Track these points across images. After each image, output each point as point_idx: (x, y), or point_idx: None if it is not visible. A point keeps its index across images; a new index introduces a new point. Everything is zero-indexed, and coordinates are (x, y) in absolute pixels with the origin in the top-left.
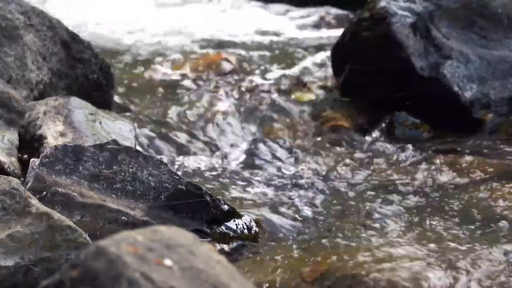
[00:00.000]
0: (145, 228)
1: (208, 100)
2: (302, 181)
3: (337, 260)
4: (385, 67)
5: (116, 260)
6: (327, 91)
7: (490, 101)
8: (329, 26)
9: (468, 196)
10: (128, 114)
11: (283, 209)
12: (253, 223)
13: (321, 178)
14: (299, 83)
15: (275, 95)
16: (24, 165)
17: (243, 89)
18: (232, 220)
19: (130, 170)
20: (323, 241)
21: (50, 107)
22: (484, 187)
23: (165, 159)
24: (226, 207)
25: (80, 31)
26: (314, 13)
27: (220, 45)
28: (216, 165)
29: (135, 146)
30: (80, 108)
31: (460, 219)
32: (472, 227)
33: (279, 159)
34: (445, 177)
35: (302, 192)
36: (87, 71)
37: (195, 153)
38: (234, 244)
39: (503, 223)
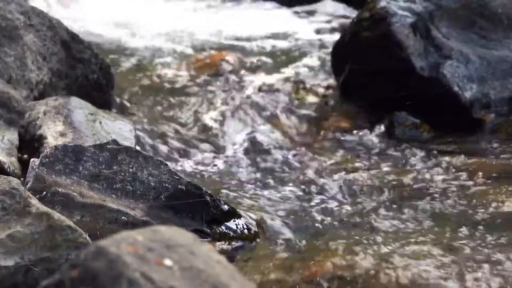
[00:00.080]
0: (145, 228)
1: (208, 100)
2: (302, 181)
3: (337, 260)
4: (385, 67)
5: (116, 260)
6: (327, 91)
7: (490, 101)
8: (329, 25)
9: (468, 196)
10: (128, 114)
11: (283, 209)
12: (253, 223)
13: (321, 178)
14: (299, 83)
15: (275, 95)
16: (24, 165)
17: (243, 89)
18: (232, 220)
19: (130, 170)
20: (323, 241)
21: (50, 107)
22: (484, 187)
23: (165, 159)
24: (226, 207)
25: (80, 31)
26: (315, 13)
27: (220, 45)
28: (216, 165)
29: (135, 146)
30: (80, 108)
31: (460, 219)
32: (472, 227)
33: (279, 159)
34: (445, 177)
35: (302, 192)
36: (87, 71)
37: (195, 153)
38: (234, 244)
39: (503, 223)
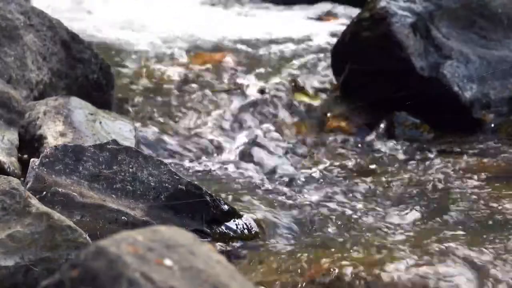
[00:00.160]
0: (145, 228)
1: (208, 100)
2: (302, 181)
3: (337, 260)
4: (385, 67)
5: (116, 260)
6: (327, 91)
7: (490, 101)
8: (329, 25)
9: (468, 196)
10: (128, 114)
11: (283, 209)
12: (253, 223)
13: (321, 178)
14: (299, 83)
15: (275, 95)
16: (24, 165)
17: (243, 89)
18: (232, 220)
19: (130, 170)
20: (323, 241)
21: (50, 107)
22: (484, 187)
23: (165, 159)
24: (226, 207)
25: (80, 31)
26: (315, 13)
27: (220, 45)
28: (216, 165)
29: (135, 146)
30: (80, 108)
31: (460, 219)
32: (472, 227)
33: (279, 159)
34: (445, 177)
35: (302, 192)
36: (87, 71)
37: (195, 153)
38: (234, 244)
39: (503, 223)
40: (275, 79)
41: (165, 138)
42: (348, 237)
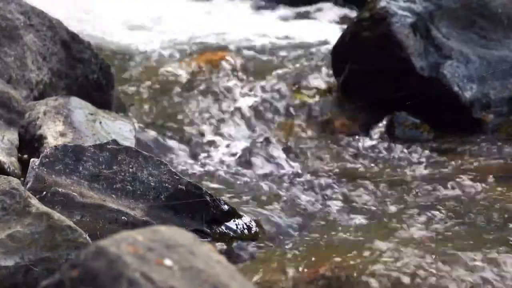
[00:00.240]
0: (145, 228)
1: (207, 100)
2: (302, 181)
3: (337, 260)
4: (385, 67)
5: (116, 260)
6: (327, 91)
7: (490, 101)
8: (329, 25)
9: (468, 196)
10: (128, 114)
11: (283, 209)
12: (253, 223)
13: (321, 178)
14: (299, 83)
15: (275, 95)
16: (24, 165)
17: (243, 89)
18: (232, 220)
19: (130, 170)
20: (323, 241)
21: (50, 107)
22: (484, 187)
23: (165, 159)
24: (226, 207)
25: (80, 31)
26: (315, 13)
27: (220, 45)
28: (216, 165)
29: (135, 146)
30: (80, 108)
31: (460, 219)
32: (472, 227)
33: (279, 159)
34: (445, 177)
35: (302, 192)
36: (87, 71)
37: (195, 153)
38: (234, 244)
39: (503, 223)
40: (275, 79)
41: (165, 138)
42: (348, 236)
